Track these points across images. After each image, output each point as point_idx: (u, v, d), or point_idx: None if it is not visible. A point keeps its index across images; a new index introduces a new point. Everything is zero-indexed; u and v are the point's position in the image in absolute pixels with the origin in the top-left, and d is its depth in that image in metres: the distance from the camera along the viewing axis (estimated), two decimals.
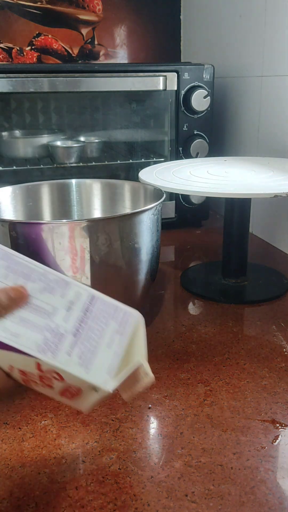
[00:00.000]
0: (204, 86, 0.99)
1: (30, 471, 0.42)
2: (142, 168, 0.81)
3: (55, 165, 1.07)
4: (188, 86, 0.98)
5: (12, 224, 0.53)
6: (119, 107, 1.20)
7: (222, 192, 0.64)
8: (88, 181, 0.73)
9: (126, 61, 1.34)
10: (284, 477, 0.41)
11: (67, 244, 0.52)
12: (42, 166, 1.06)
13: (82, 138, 1.17)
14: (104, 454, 0.44)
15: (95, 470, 0.42)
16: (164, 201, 0.61)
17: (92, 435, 0.46)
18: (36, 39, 1.25)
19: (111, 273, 0.55)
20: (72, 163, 1.08)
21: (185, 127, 1.01)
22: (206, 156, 1.02)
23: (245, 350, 0.61)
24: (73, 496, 0.40)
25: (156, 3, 1.31)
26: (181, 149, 1.03)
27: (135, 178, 0.76)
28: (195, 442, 0.45)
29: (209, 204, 1.10)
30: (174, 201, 1.06)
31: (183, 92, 0.98)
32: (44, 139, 1.12)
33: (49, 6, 1.23)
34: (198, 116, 1.01)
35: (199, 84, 0.99)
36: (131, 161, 1.15)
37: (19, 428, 0.48)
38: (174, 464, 0.43)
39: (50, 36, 1.26)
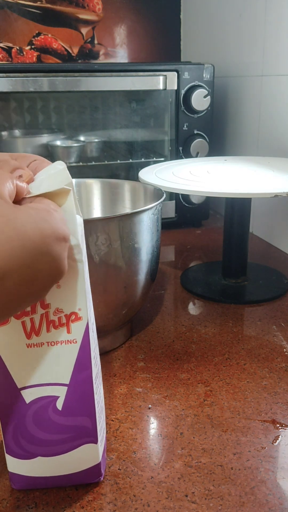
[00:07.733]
0: (204, 85, 0.99)
1: None
2: (142, 167, 0.81)
3: None
4: (188, 86, 0.98)
5: None
6: (119, 106, 1.19)
7: (222, 192, 0.64)
8: (88, 180, 0.73)
9: (126, 61, 1.34)
10: (285, 477, 0.41)
11: None
12: None
13: (82, 138, 1.17)
14: None
15: None
16: (164, 201, 0.61)
17: None
18: (36, 38, 1.25)
19: (110, 273, 0.55)
20: (71, 162, 1.08)
21: (185, 126, 1.01)
22: (206, 156, 1.02)
23: (245, 350, 0.61)
24: (73, 496, 0.40)
25: (156, 3, 1.31)
26: (181, 149, 1.03)
27: (135, 178, 0.75)
28: (195, 443, 0.45)
29: (209, 204, 1.10)
30: (174, 201, 1.06)
31: (183, 91, 0.98)
32: (44, 138, 1.12)
33: (48, 5, 1.23)
34: (198, 115, 1.01)
35: (199, 83, 0.98)
36: (131, 160, 1.15)
37: None
38: (174, 465, 0.43)
39: (50, 35, 1.26)
